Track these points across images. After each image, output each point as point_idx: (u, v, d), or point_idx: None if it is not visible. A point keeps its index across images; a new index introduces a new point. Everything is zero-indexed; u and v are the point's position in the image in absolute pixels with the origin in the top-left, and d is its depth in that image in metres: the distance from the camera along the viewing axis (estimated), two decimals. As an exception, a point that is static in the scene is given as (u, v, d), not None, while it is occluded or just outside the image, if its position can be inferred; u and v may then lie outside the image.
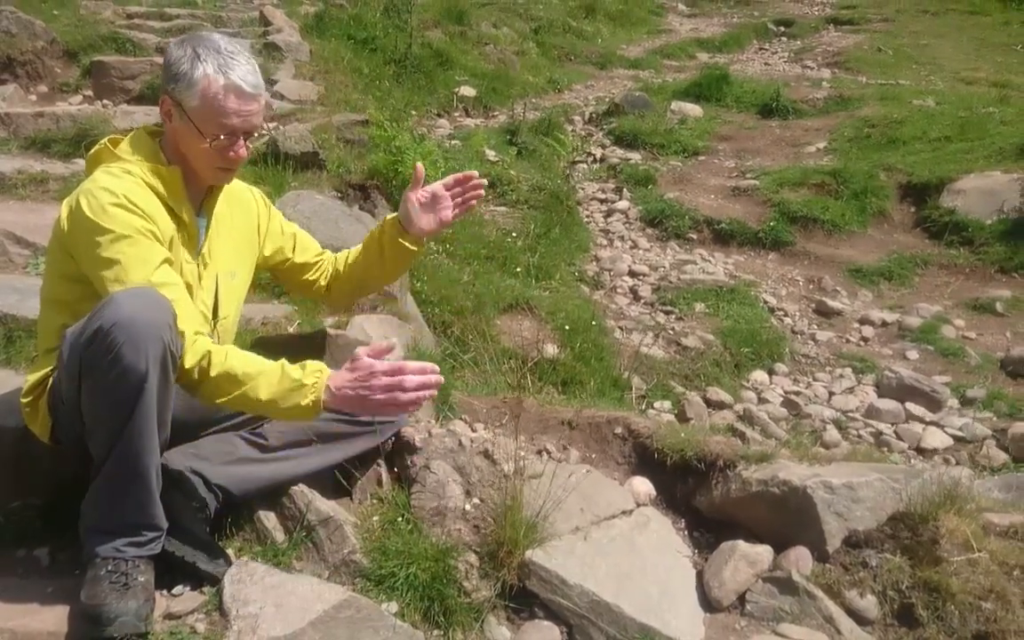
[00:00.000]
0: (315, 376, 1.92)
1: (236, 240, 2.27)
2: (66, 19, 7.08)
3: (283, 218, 2.50)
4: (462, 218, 2.66)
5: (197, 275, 2.13)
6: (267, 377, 1.91)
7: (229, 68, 1.99)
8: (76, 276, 1.98)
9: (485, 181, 2.53)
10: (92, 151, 2.12)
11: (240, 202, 2.33)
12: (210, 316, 2.15)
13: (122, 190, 1.94)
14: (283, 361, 1.96)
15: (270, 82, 6.21)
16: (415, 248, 2.45)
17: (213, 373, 1.89)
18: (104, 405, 1.78)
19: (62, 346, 1.84)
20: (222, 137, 2.02)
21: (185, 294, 2.00)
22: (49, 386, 1.99)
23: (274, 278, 2.79)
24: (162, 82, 2.06)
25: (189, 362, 1.88)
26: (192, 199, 2.13)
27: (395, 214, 2.46)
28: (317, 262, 2.52)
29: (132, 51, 6.49)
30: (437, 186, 2.44)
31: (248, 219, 2.34)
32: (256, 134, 2.12)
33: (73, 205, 1.96)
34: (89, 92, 6.01)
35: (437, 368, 1.99)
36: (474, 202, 2.51)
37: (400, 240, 2.42)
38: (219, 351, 1.92)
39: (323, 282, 2.53)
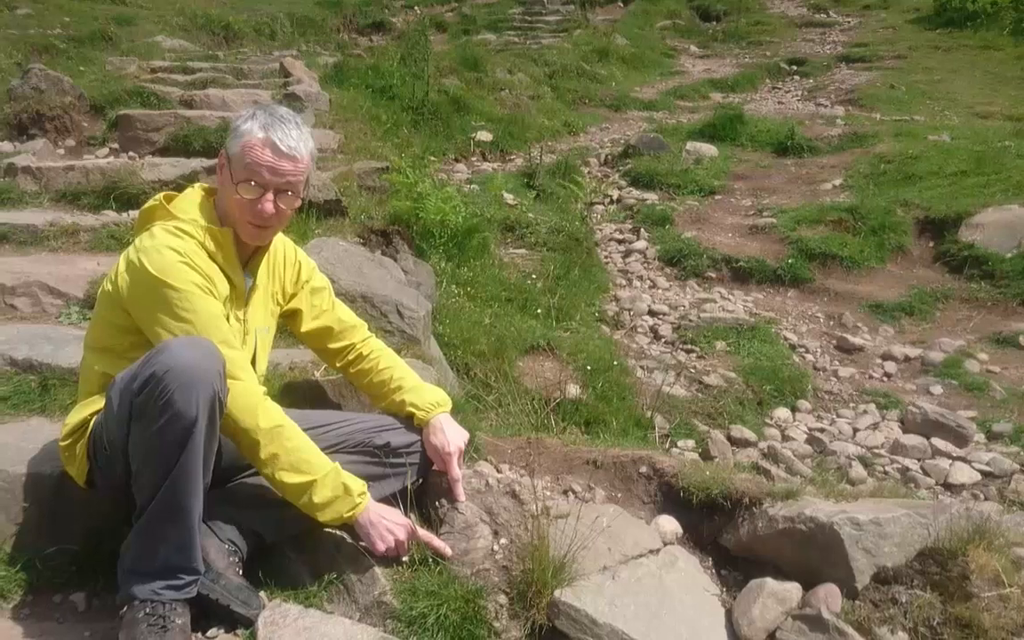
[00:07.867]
0: (362, 497, 2.13)
1: (267, 295, 2.33)
2: (92, 75, 7.28)
3: (322, 292, 2.51)
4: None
5: (242, 333, 2.20)
6: (323, 468, 2.08)
7: (272, 128, 2.12)
8: (127, 327, 2.05)
9: None
10: (146, 207, 2.20)
11: (275, 257, 2.38)
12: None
13: (184, 248, 2.03)
14: (337, 466, 2.11)
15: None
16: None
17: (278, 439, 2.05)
18: (153, 448, 1.82)
19: (110, 391, 1.89)
20: (252, 183, 2.09)
21: (243, 354, 2.11)
22: (89, 431, 2.04)
23: None
24: None
25: (264, 422, 2.02)
26: (240, 258, 2.21)
27: (414, 412, 2.46)
28: (329, 333, 2.51)
29: (156, 104, 6.62)
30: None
31: (277, 275, 2.38)
32: (292, 195, 2.17)
33: (136, 262, 2.02)
34: (115, 145, 6.12)
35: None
36: None
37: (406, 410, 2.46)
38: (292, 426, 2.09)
39: (336, 363, 2.57)
